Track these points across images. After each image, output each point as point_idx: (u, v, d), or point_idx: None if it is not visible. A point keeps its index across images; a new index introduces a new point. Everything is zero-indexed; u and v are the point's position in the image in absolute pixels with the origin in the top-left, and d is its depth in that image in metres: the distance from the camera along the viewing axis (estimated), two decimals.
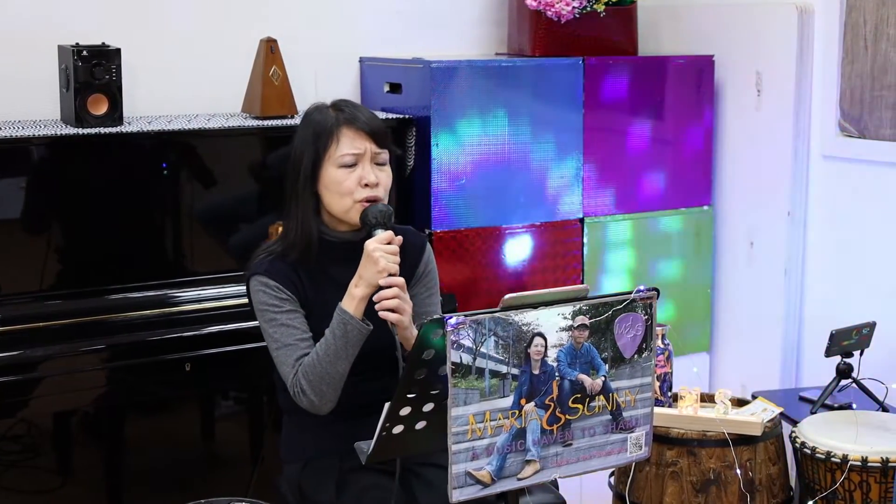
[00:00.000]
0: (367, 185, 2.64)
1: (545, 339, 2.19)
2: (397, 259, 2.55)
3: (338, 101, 2.74)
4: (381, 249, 2.53)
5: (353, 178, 2.64)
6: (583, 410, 2.27)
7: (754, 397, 3.29)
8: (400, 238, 2.60)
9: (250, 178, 3.58)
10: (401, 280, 2.55)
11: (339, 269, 2.67)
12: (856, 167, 3.69)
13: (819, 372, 3.60)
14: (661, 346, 3.23)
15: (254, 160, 3.57)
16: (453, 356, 2.10)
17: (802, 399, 3.39)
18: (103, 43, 3.34)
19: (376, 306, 2.53)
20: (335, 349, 2.53)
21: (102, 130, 3.28)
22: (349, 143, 2.65)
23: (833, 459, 2.92)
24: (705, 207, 4.12)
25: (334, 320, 2.55)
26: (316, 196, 2.68)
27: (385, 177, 2.68)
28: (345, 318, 2.53)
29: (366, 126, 2.66)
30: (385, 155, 2.70)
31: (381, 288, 2.52)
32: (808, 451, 2.97)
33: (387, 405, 2.24)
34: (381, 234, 2.56)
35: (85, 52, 3.25)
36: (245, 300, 2.73)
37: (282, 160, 3.51)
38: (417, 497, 2.61)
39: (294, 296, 2.64)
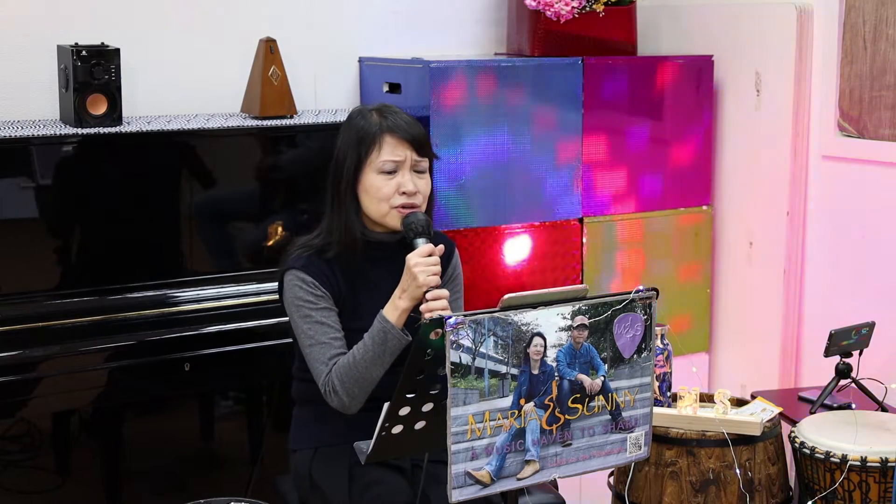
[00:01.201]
0: (404, 193, 2.69)
1: (544, 339, 2.19)
2: (438, 270, 2.60)
3: (382, 106, 2.80)
4: (422, 264, 2.58)
5: (391, 185, 2.69)
6: (582, 410, 2.27)
7: (753, 397, 3.29)
8: (441, 247, 2.65)
9: (249, 178, 3.58)
10: (445, 292, 2.60)
11: (374, 269, 2.73)
12: (855, 167, 3.69)
13: (818, 372, 3.60)
14: (661, 345, 3.23)
15: (253, 160, 3.57)
16: (452, 356, 2.10)
17: (802, 399, 3.39)
18: (102, 43, 3.34)
19: (425, 315, 2.56)
20: (372, 355, 2.58)
21: (102, 130, 3.28)
22: (390, 151, 2.70)
23: (832, 459, 2.92)
24: (705, 207, 4.12)
25: (375, 327, 2.59)
26: (356, 198, 2.73)
27: (424, 185, 2.75)
28: (386, 326, 2.58)
29: (407, 134, 2.72)
30: (425, 163, 2.76)
31: (423, 301, 2.57)
32: (808, 451, 2.97)
33: (386, 405, 2.25)
34: (423, 247, 2.61)
35: (84, 52, 3.25)
36: (244, 300, 2.75)
37: (292, 163, 3.55)
38: (427, 493, 2.63)
39: (329, 293, 2.69)
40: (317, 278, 2.68)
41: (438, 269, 2.60)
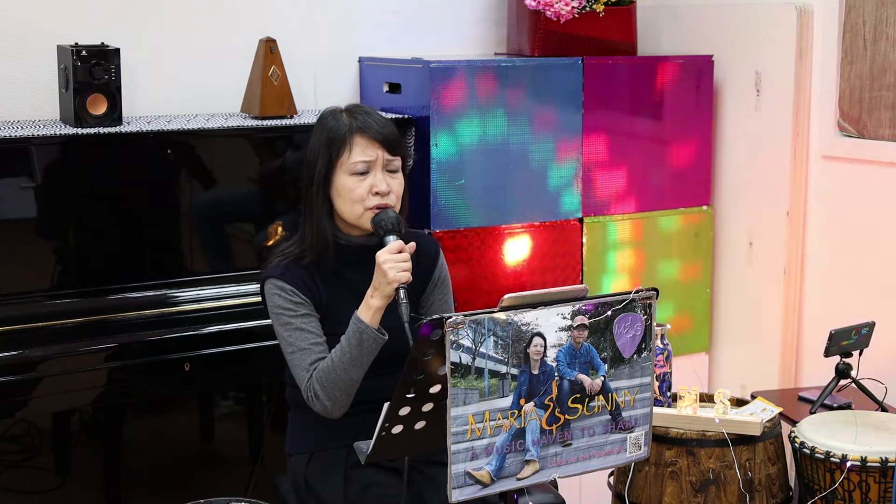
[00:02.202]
0: (377, 193, 2.67)
1: (544, 339, 2.19)
2: (408, 266, 2.57)
3: (352, 106, 2.78)
4: (391, 260, 2.55)
5: (364, 186, 2.67)
6: (582, 410, 2.27)
7: (753, 397, 3.29)
8: (413, 245, 2.63)
9: (249, 178, 3.58)
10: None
11: (353, 273, 2.71)
12: (855, 167, 3.69)
13: (818, 372, 3.60)
14: (661, 345, 3.23)
15: (253, 160, 3.57)
16: (452, 356, 2.10)
17: (802, 399, 3.39)
18: (102, 43, 3.34)
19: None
20: (350, 357, 2.55)
21: (101, 130, 3.28)
22: (361, 151, 2.68)
23: (832, 459, 2.92)
24: (705, 207, 4.12)
25: (350, 328, 2.58)
26: (329, 201, 2.71)
27: (397, 184, 2.72)
28: (360, 326, 2.55)
29: (378, 134, 2.69)
30: (397, 162, 2.73)
31: (395, 298, 2.54)
32: (808, 451, 2.97)
33: (386, 405, 2.24)
34: (392, 244, 2.59)
35: (84, 52, 3.25)
36: (244, 300, 2.75)
37: (292, 163, 3.54)
38: (423, 495, 2.63)
39: (308, 299, 2.67)
40: (295, 285, 2.66)
41: (409, 265, 2.57)
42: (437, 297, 2.84)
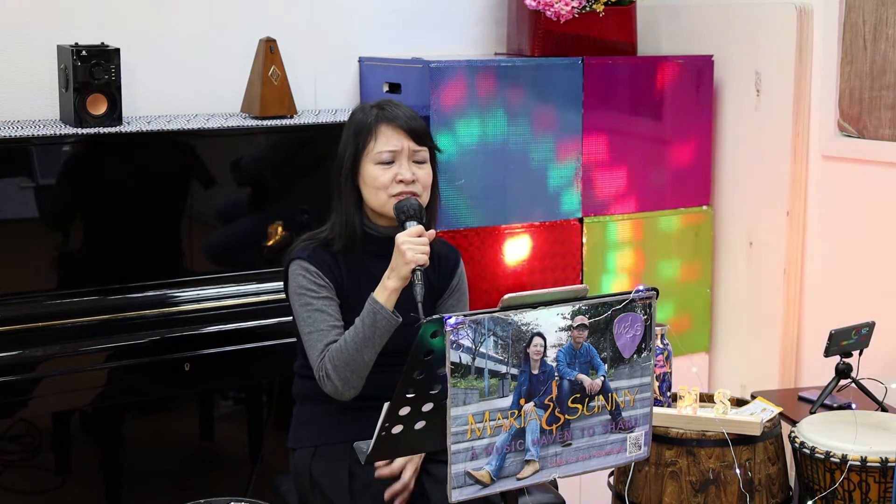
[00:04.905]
0: (402, 181, 2.71)
1: (544, 339, 2.19)
2: (426, 250, 2.62)
3: (382, 100, 2.84)
4: (410, 242, 2.60)
5: (389, 175, 2.72)
6: (582, 410, 2.27)
7: (753, 397, 3.29)
8: (432, 232, 2.68)
9: (249, 178, 3.58)
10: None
11: (376, 263, 2.74)
12: (855, 167, 3.69)
13: (818, 372, 3.60)
14: (661, 345, 3.23)
15: (253, 160, 3.57)
16: (452, 356, 2.10)
17: (802, 399, 3.39)
18: (102, 43, 3.35)
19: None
20: (363, 337, 2.58)
21: (102, 130, 3.28)
22: (386, 141, 2.73)
23: (832, 459, 2.92)
24: (705, 207, 4.12)
25: (365, 309, 2.62)
26: (357, 190, 2.76)
27: (424, 174, 2.76)
28: (375, 307, 2.59)
29: (404, 124, 2.74)
30: (424, 153, 2.77)
31: (412, 281, 2.59)
32: (808, 451, 2.97)
33: (386, 405, 2.25)
34: (412, 228, 2.64)
35: (84, 52, 3.26)
36: (244, 300, 2.76)
37: (292, 163, 3.55)
38: (428, 493, 2.63)
39: (332, 283, 2.72)
40: (320, 268, 2.71)
41: (427, 249, 2.61)
42: (454, 301, 2.89)
